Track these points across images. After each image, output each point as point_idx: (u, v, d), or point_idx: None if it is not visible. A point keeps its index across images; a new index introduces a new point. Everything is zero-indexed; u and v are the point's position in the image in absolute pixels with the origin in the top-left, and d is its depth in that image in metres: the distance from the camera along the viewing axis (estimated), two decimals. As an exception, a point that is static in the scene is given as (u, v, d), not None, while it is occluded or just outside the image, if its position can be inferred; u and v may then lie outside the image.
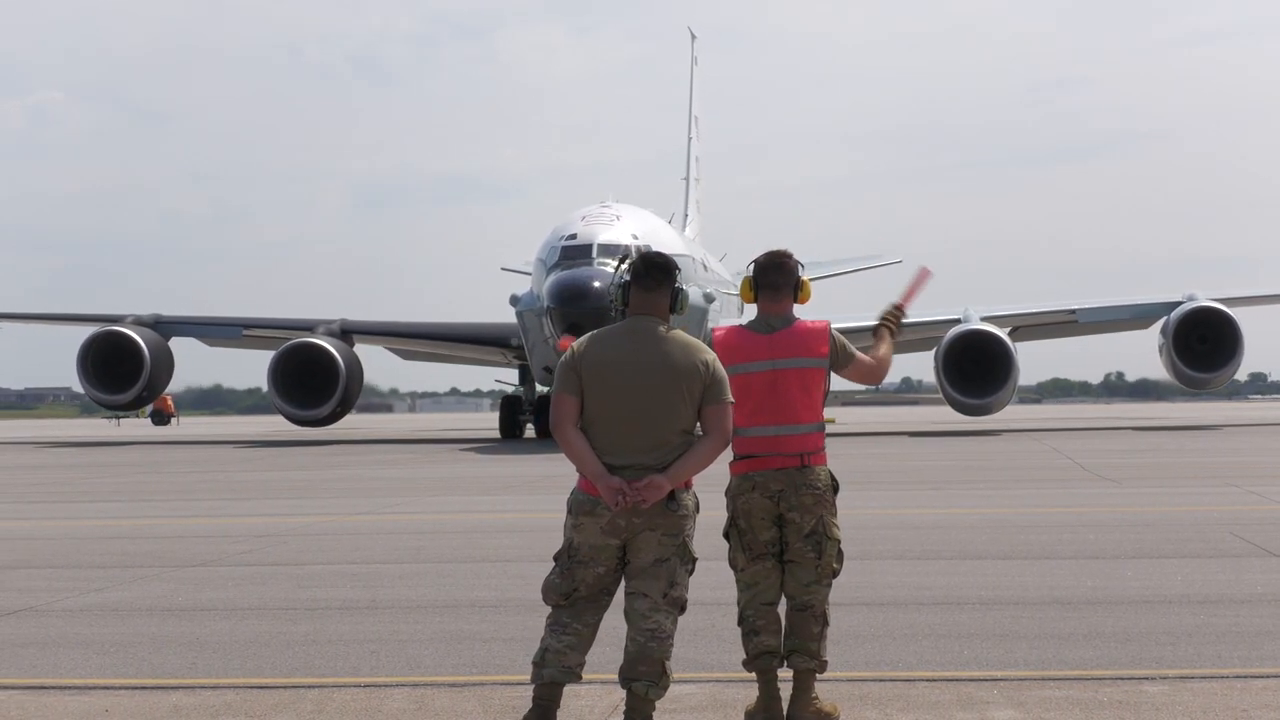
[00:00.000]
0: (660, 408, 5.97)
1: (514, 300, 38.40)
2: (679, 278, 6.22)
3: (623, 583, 6.08)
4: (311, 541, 14.07)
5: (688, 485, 6.06)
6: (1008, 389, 39.93)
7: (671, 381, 5.98)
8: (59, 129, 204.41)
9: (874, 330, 6.94)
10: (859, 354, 6.73)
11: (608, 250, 35.34)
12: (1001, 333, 40.16)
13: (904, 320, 7.00)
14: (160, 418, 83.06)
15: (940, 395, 41.66)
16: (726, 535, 6.58)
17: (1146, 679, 7.10)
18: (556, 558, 6.11)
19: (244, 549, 13.43)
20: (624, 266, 6.25)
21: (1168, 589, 9.94)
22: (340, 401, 42.07)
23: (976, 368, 39.59)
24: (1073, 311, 44.59)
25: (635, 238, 36.14)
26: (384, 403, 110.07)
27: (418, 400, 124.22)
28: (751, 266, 6.72)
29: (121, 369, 43.27)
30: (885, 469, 24.76)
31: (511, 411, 43.45)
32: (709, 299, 38.80)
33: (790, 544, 6.45)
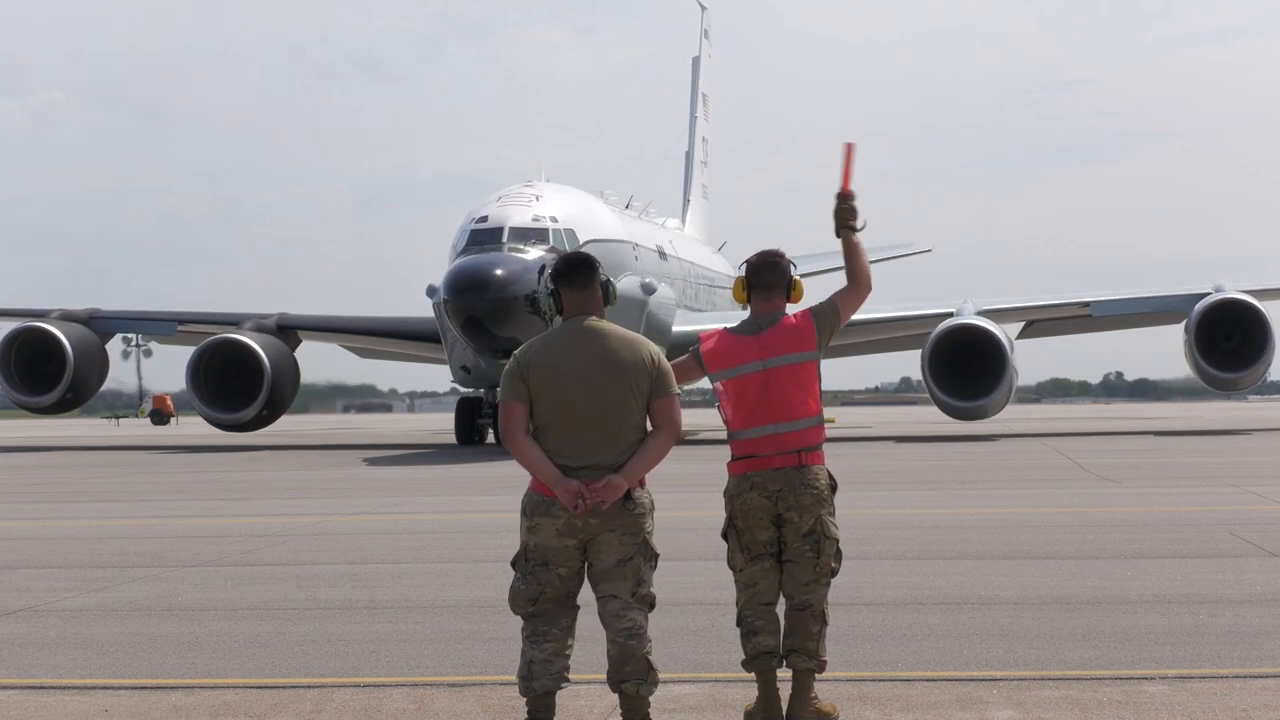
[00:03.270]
0: (610, 406, 5.97)
1: (430, 291, 34.16)
2: (603, 270, 6.20)
3: (593, 586, 6.08)
4: (310, 541, 14.07)
5: (642, 484, 6.06)
6: (1002, 390, 36.10)
7: (619, 379, 5.98)
8: (61, 129, 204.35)
9: (841, 240, 6.62)
10: (835, 298, 6.60)
11: (521, 234, 32.15)
12: (995, 327, 36.31)
13: (854, 205, 6.56)
14: (159, 418, 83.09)
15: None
16: (725, 535, 6.58)
17: (1146, 679, 7.10)
18: (515, 564, 6.10)
19: (243, 549, 13.43)
20: (546, 274, 6.25)
21: (1167, 589, 9.94)
22: (266, 404, 38.08)
23: (970, 366, 36.03)
24: (1086, 304, 40.23)
25: (555, 220, 32.85)
26: (383, 403, 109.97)
27: (416, 400, 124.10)
28: (744, 266, 6.71)
29: (46, 368, 39.66)
30: (884, 469, 24.76)
31: (469, 415, 38.53)
32: (647, 289, 35.85)
33: (789, 544, 6.45)
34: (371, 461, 30.55)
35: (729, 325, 6.73)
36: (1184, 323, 37.74)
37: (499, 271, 30.60)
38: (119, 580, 11.39)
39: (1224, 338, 36.99)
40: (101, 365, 41.50)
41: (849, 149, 6.73)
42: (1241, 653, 7.73)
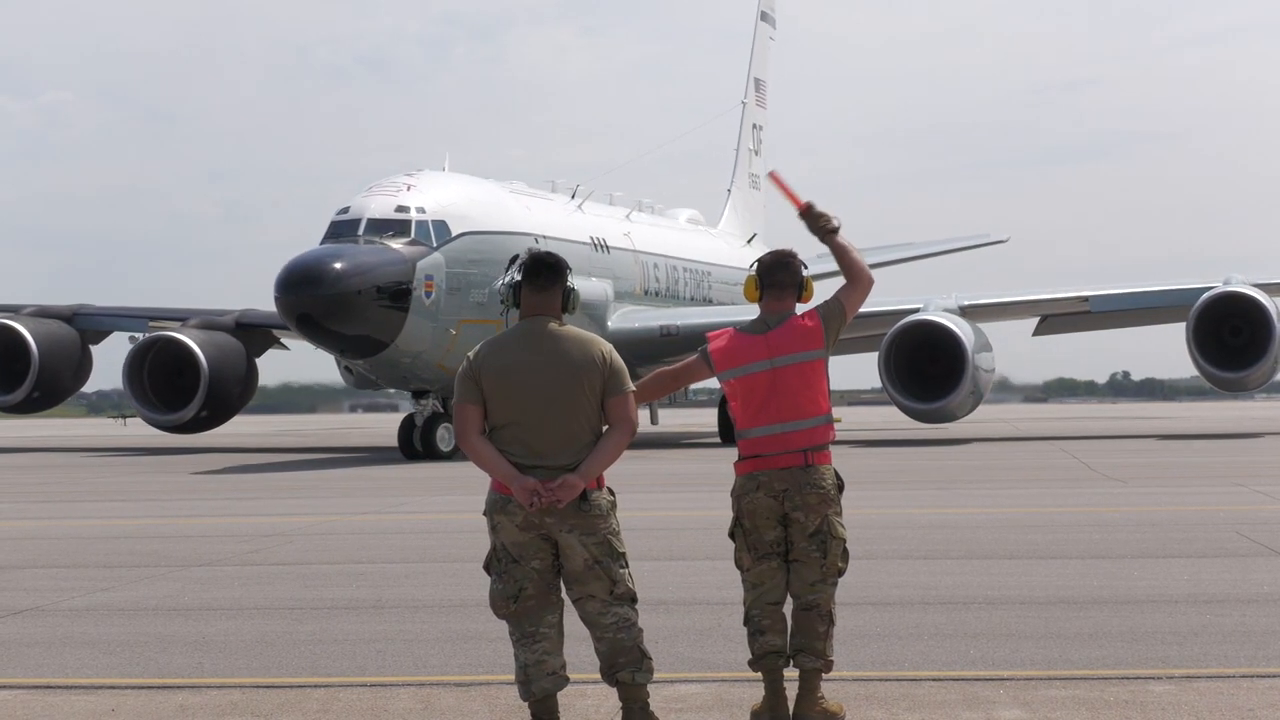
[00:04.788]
0: (563, 406, 5.98)
1: None
2: (569, 275, 6.21)
3: (567, 589, 6.07)
4: (317, 541, 14.08)
5: (600, 484, 6.05)
6: (962, 390, 32.98)
7: (571, 378, 5.99)
8: (69, 129, 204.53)
9: (827, 246, 6.69)
10: (840, 296, 6.63)
11: (379, 226, 29.93)
12: (954, 323, 33.38)
13: (820, 211, 6.67)
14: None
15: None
16: (732, 535, 6.59)
17: (1153, 678, 7.10)
18: (488, 567, 6.12)
19: (250, 548, 13.44)
20: (514, 266, 6.23)
21: (1174, 588, 9.94)
22: (204, 405, 35.21)
23: (934, 366, 33.34)
24: (1085, 299, 37.33)
25: (422, 211, 30.40)
26: (390, 402, 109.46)
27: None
28: (756, 265, 6.72)
29: (14, 367, 37.39)
30: (890, 468, 24.75)
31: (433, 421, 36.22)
32: None
33: (795, 543, 6.45)
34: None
35: (739, 324, 6.73)
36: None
37: (338, 265, 28.57)
38: (125, 580, 11.41)
39: (1230, 334, 34.59)
40: (78, 363, 39.02)
41: (774, 177, 6.96)
42: (1248, 652, 7.73)
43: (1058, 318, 38.66)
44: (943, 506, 16.92)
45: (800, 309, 6.65)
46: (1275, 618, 8.76)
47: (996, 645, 8.04)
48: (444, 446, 30.03)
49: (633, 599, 6.06)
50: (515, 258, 6.26)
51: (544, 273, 6.14)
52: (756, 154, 53.04)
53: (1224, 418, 54.84)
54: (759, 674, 6.48)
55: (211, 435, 40.25)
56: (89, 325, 39.76)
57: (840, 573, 6.50)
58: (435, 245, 30.13)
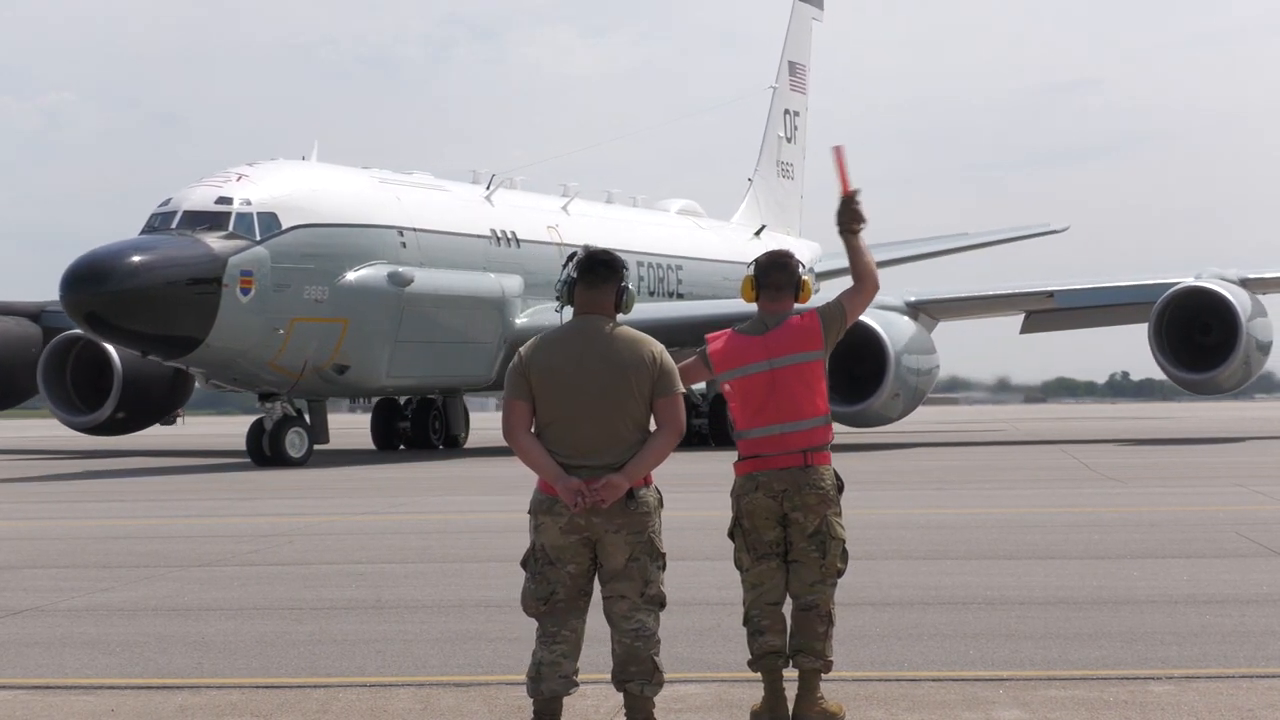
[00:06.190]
0: (611, 405, 5.96)
1: None
2: (626, 275, 6.17)
3: (601, 586, 6.08)
4: (316, 541, 14.08)
5: (647, 481, 6.05)
6: (883, 393, 31.08)
7: (619, 378, 5.97)
8: (69, 129, 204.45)
9: (844, 242, 6.63)
10: (843, 298, 6.62)
11: (195, 219, 27.74)
12: (879, 321, 31.13)
13: (858, 206, 6.55)
14: (166, 419, 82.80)
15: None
16: (731, 535, 6.59)
17: (1152, 679, 7.10)
18: (525, 564, 6.10)
19: (249, 549, 13.44)
20: (570, 263, 6.20)
21: (1174, 589, 9.94)
22: (120, 406, 32.86)
23: (861, 366, 31.32)
24: (1050, 294, 35.39)
25: (249, 203, 28.14)
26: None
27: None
28: (753, 266, 6.72)
29: None
30: (890, 469, 24.75)
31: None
32: (399, 280, 30.15)
33: (794, 544, 6.45)
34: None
35: (738, 325, 6.73)
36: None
37: (132, 259, 26.28)
38: (125, 580, 11.40)
39: (1200, 332, 32.58)
40: (36, 362, 35.31)
41: (839, 152, 6.79)
42: (1248, 652, 7.73)
43: (1041, 316, 37.14)
44: (942, 507, 16.93)
45: (799, 308, 6.65)
46: (1275, 618, 8.76)
47: (996, 645, 8.04)
48: (294, 452, 28.30)
49: (661, 603, 6.05)
50: (572, 255, 6.23)
51: (596, 269, 6.11)
52: (789, 141, 49.38)
53: (1224, 418, 54.82)
54: (758, 674, 6.48)
55: (208, 436, 40.21)
56: (60, 323, 35.87)
57: (839, 573, 6.50)
58: (259, 239, 27.94)
